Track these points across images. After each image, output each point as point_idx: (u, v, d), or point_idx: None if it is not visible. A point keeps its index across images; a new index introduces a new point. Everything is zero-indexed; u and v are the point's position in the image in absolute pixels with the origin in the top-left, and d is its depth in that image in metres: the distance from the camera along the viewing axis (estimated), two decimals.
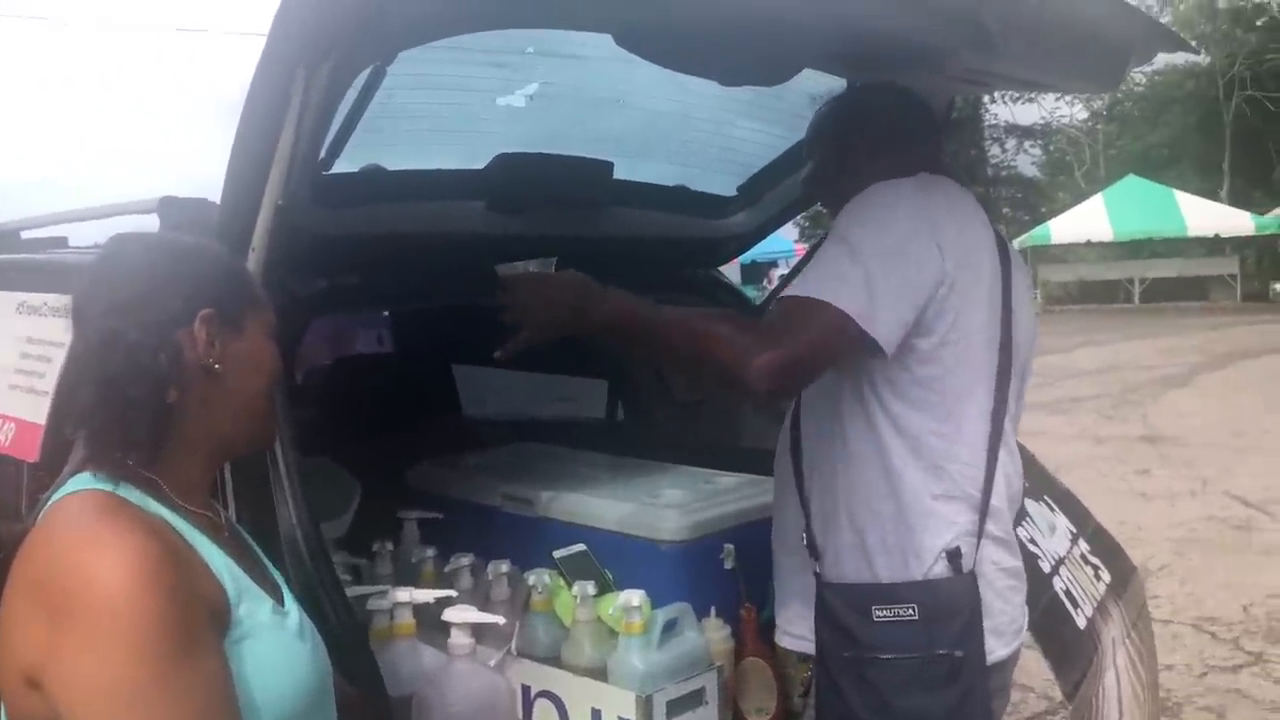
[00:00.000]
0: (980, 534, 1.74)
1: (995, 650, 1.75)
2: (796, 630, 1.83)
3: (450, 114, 2.04)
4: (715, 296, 2.67)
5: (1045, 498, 2.99)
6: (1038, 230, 25.43)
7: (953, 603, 1.68)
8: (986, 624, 1.72)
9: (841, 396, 1.72)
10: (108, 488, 1.11)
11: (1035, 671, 3.83)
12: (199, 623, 1.05)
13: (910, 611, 1.65)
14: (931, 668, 1.65)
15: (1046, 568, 2.69)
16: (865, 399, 1.69)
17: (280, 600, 1.22)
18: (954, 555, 1.69)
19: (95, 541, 1.04)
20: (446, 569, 2.30)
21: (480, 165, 2.14)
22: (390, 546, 2.42)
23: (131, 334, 1.12)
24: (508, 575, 2.26)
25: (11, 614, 1.06)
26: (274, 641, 1.16)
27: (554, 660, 2.12)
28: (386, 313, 2.63)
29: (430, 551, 2.38)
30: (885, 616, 1.66)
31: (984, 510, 1.75)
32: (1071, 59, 1.84)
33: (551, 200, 2.23)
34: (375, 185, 2.02)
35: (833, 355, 1.62)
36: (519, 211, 2.18)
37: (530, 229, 2.22)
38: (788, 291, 1.64)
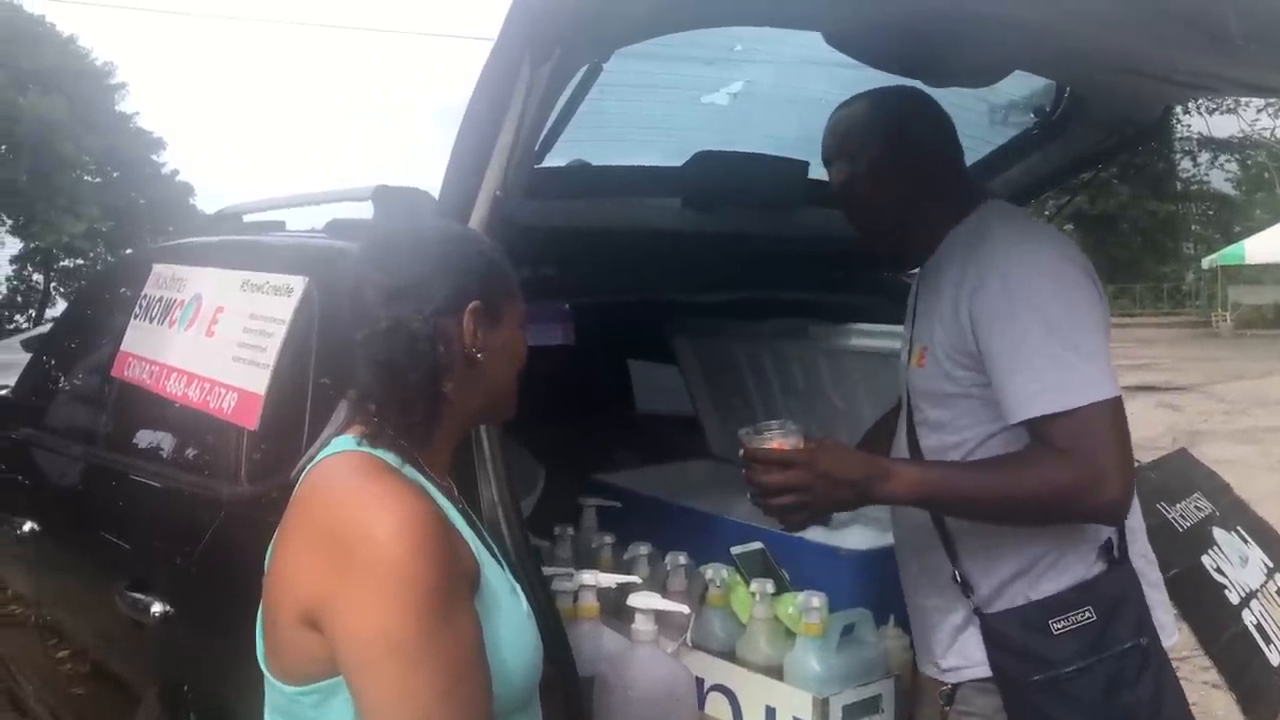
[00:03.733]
0: (1121, 527, 1.70)
1: (1163, 640, 1.70)
2: (949, 663, 1.78)
3: (654, 111, 2.08)
4: (902, 299, 2.63)
5: (1238, 528, 2.83)
6: (1230, 249, 23.99)
7: (1121, 593, 1.65)
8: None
9: (991, 439, 1.67)
10: (372, 452, 1.19)
11: (1222, 715, 3.64)
12: (460, 584, 1.13)
13: (1088, 614, 1.61)
14: (1125, 663, 1.60)
15: (1235, 599, 2.56)
16: (1023, 434, 1.63)
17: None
18: (1107, 548, 1.66)
19: (374, 500, 1.11)
20: (625, 556, 2.35)
21: (679, 163, 2.17)
22: (571, 531, 2.49)
23: (414, 324, 1.19)
24: (685, 567, 2.28)
25: (293, 557, 1.14)
26: (513, 612, 1.22)
27: (729, 655, 2.14)
28: (576, 304, 2.69)
29: (609, 538, 2.43)
30: (1064, 627, 1.61)
31: None
32: None
33: (746, 199, 2.24)
34: (580, 180, 2.08)
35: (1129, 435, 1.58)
36: (714, 209, 2.21)
37: (725, 226, 2.24)
38: (1029, 404, 1.54)
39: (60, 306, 24.01)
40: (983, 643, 1.68)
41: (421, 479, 1.19)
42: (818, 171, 2.31)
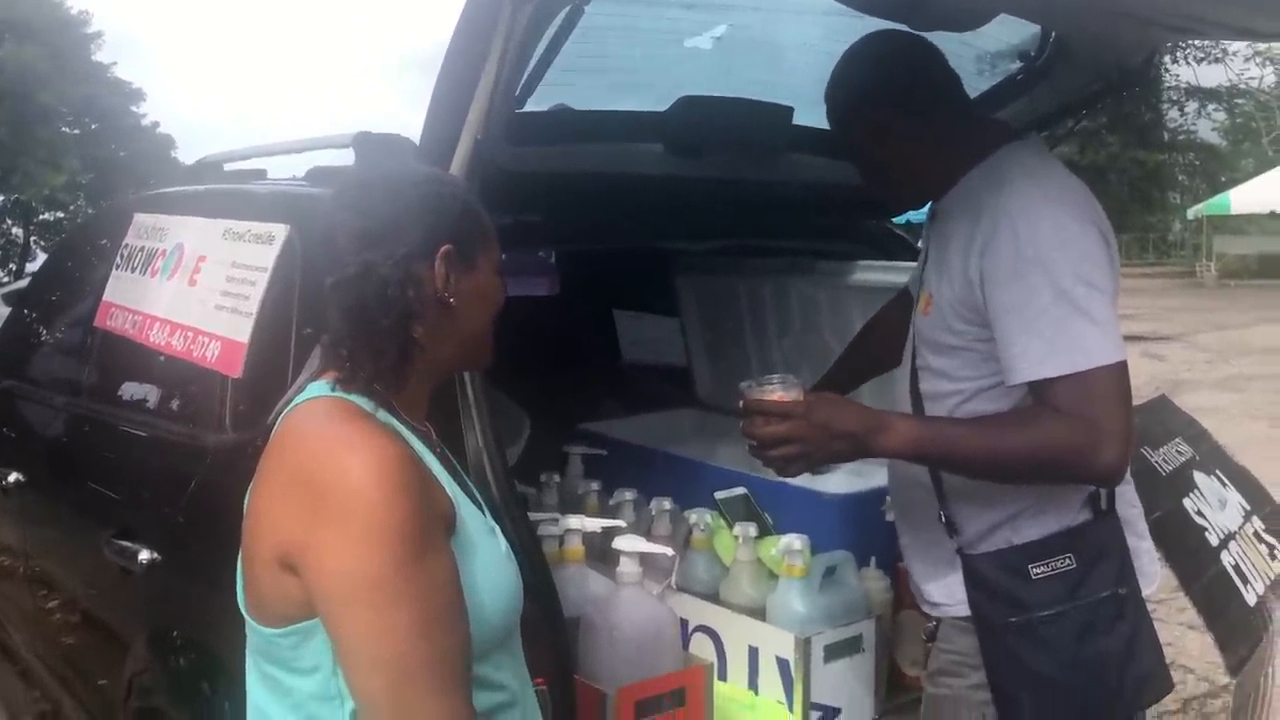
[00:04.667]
0: None
1: (1144, 588, 1.72)
2: (934, 599, 1.79)
3: (637, 55, 2.06)
4: (888, 248, 2.64)
5: (1217, 472, 2.87)
6: (1216, 200, 23.96)
7: (1104, 543, 1.66)
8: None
9: (980, 391, 1.67)
10: (346, 397, 1.19)
11: (1197, 654, 3.71)
12: (435, 525, 1.14)
13: (1068, 561, 1.62)
14: (1101, 610, 1.62)
15: (1214, 541, 2.60)
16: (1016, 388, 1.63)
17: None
18: (1094, 498, 1.67)
19: (349, 443, 1.12)
20: (611, 502, 2.37)
21: (663, 108, 2.16)
22: (556, 478, 2.51)
23: (384, 268, 1.19)
24: (669, 513, 2.31)
25: (268, 500, 1.15)
26: (490, 553, 1.23)
27: (712, 597, 2.17)
28: (559, 253, 2.69)
29: (595, 485, 2.46)
30: (1043, 572, 1.63)
31: None
32: None
33: (731, 144, 2.23)
34: (562, 125, 2.07)
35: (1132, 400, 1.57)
36: (698, 155, 2.20)
37: (708, 172, 2.23)
38: (1035, 367, 1.53)
39: (40, 260, 23.80)
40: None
41: (396, 423, 1.20)
42: (802, 117, 2.31)
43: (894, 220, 2.92)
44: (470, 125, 1.62)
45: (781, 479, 1.68)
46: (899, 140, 1.71)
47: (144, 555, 2.11)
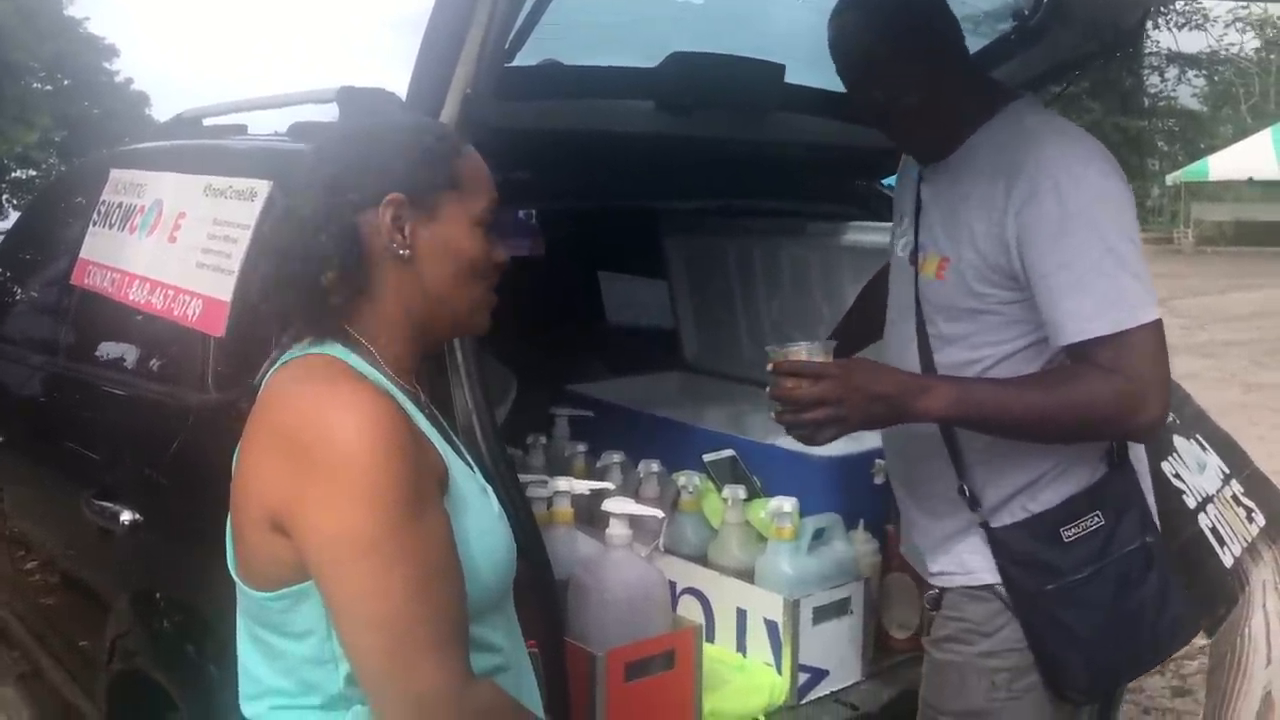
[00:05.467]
0: None
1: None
2: (939, 567, 1.75)
3: (628, 7, 2.02)
4: (876, 209, 2.62)
5: (1196, 435, 2.89)
6: (1195, 165, 24.04)
7: (1127, 495, 1.66)
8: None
9: (1004, 359, 1.63)
10: (332, 353, 1.16)
11: None
12: (427, 483, 1.11)
13: (1097, 519, 1.62)
14: (1133, 562, 1.63)
15: (1192, 504, 2.62)
16: (1043, 352, 1.62)
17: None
18: (1109, 451, 1.66)
19: (336, 400, 1.09)
20: (598, 464, 2.36)
21: (654, 64, 2.12)
22: (543, 440, 2.50)
23: (304, 210, 1.16)
24: (657, 475, 2.30)
25: (256, 462, 1.12)
26: (484, 512, 1.21)
27: (700, 559, 2.17)
28: (545, 211, 2.65)
29: (581, 447, 2.44)
30: (1075, 534, 1.61)
31: None
32: None
33: (721, 102, 2.19)
34: (552, 80, 2.02)
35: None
36: (688, 112, 2.16)
37: (698, 130, 2.20)
38: (1089, 325, 1.50)
39: (13, 218, 23.44)
40: (983, 552, 1.67)
41: (385, 381, 1.17)
42: (795, 76, 2.28)
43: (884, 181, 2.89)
44: (459, 79, 1.58)
45: (804, 446, 1.60)
46: (918, 87, 1.62)
47: (126, 516, 2.08)
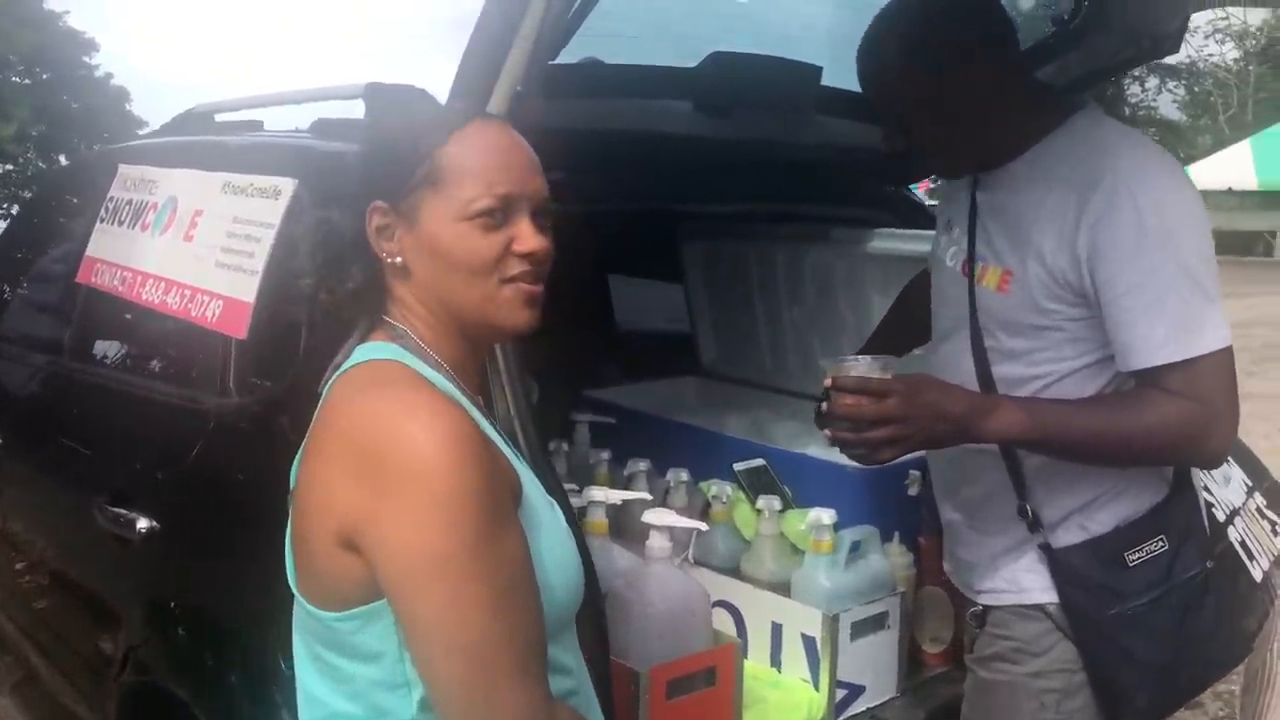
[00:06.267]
0: None
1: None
2: (986, 585, 1.71)
3: (671, 7, 1.97)
4: (907, 215, 2.58)
5: None
6: None
7: (1189, 519, 1.63)
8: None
9: (1065, 376, 1.58)
10: (399, 359, 1.11)
11: None
12: (505, 498, 1.06)
13: (1161, 543, 1.58)
14: (1193, 587, 1.59)
15: (1221, 517, 2.59)
16: (1104, 371, 1.57)
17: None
18: (1172, 473, 1.63)
19: (408, 409, 1.02)
20: (625, 473, 2.30)
21: (693, 64, 2.07)
22: (565, 447, 2.44)
23: (308, 226, 1.17)
24: (685, 484, 2.25)
25: (323, 475, 1.06)
26: (554, 527, 1.16)
27: (731, 571, 2.12)
28: (565, 212, 2.60)
29: (605, 454, 2.38)
30: (1139, 558, 1.57)
31: None
32: None
33: (757, 103, 2.15)
34: (591, 78, 1.97)
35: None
36: (727, 113, 2.11)
37: (735, 132, 2.15)
38: (1161, 351, 1.45)
39: None
40: (1039, 571, 1.62)
41: (452, 388, 1.12)
42: (833, 77, 2.23)
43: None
44: (509, 74, 1.52)
45: (857, 463, 1.53)
46: (972, 93, 1.54)
47: (142, 524, 2.01)
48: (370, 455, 1.02)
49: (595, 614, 1.51)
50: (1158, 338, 1.45)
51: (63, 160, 21.53)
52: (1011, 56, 1.60)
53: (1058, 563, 1.60)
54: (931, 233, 1.89)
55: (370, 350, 1.13)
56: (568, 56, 1.93)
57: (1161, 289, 1.45)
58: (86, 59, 26.32)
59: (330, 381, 1.13)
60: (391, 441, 1.01)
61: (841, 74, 2.23)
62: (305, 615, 1.10)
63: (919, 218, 2.65)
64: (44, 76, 25.45)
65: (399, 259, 1.13)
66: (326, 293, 1.16)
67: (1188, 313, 1.45)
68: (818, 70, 2.19)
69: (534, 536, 1.09)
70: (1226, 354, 1.47)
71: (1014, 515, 1.63)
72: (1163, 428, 1.47)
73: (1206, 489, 2.65)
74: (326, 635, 1.08)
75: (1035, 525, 1.62)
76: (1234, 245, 24.83)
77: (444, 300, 1.14)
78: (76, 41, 25.87)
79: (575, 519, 1.62)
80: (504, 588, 1.00)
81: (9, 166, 26.16)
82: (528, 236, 1.13)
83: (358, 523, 1.01)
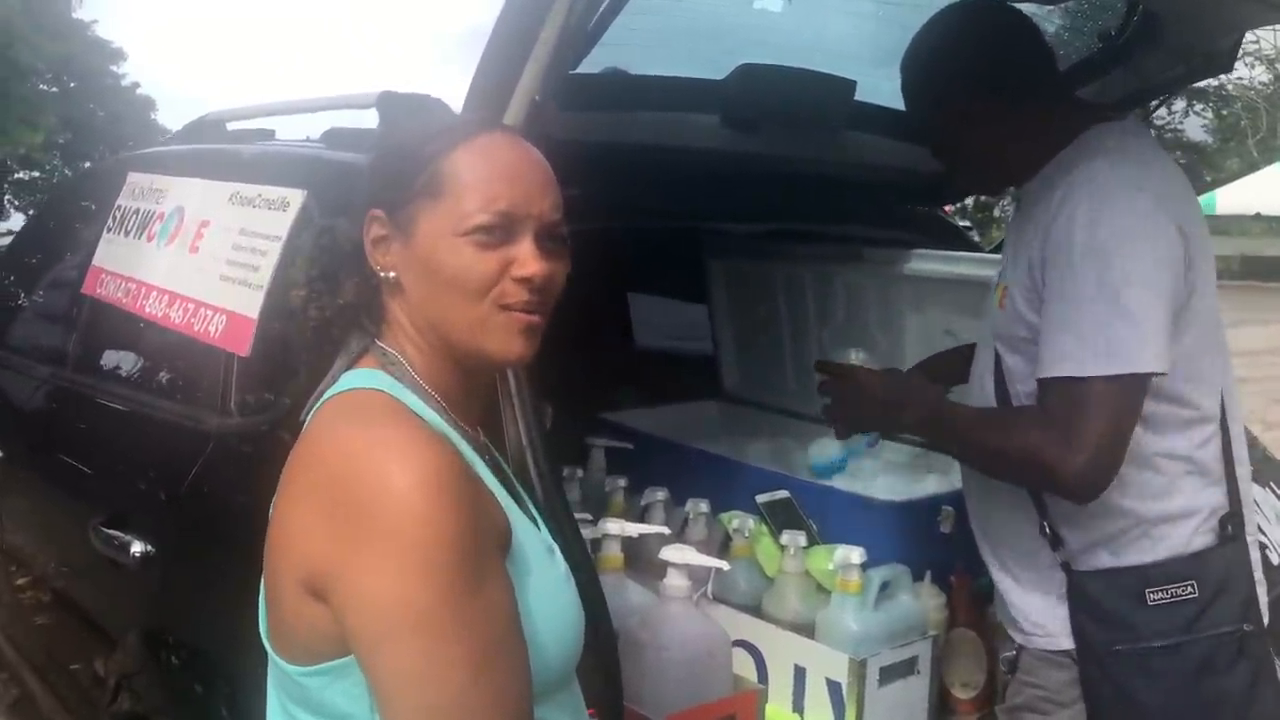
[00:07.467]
0: (1238, 501, 1.58)
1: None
2: (1019, 626, 1.65)
3: (700, 15, 1.88)
4: (938, 235, 2.48)
5: (1271, 484, 2.73)
6: (1201, 199, 23.95)
7: (1230, 573, 1.53)
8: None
9: None
10: (386, 389, 1.02)
11: None
12: (489, 546, 0.96)
13: (1189, 589, 1.49)
14: (1222, 646, 1.49)
15: (1276, 559, 2.46)
16: None
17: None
18: (1219, 522, 1.54)
19: (390, 446, 0.93)
20: (641, 503, 2.20)
21: (721, 76, 1.98)
22: (579, 473, 2.34)
23: (312, 235, 1.13)
24: (705, 516, 2.15)
25: (294, 516, 0.96)
26: (549, 577, 1.06)
27: (752, 609, 2.01)
28: (586, 229, 2.51)
29: (622, 482, 2.28)
30: (1161, 599, 1.49)
31: (1230, 479, 1.60)
32: None
33: (787, 118, 2.06)
34: (614, 90, 1.88)
35: (1135, 419, 1.44)
36: (755, 128, 2.02)
37: (763, 147, 2.06)
38: (1060, 364, 1.41)
39: (15, 221, 23.33)
40: (1060, 610, 1.55)
41: (443, 424, 1.02)
42: (867, 91, 2.14)
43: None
44: (526, 82, 1.43)
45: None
46: (985, 124, 1.58)
47: (137, 548, 1.92)
48: (341, 495, 0.92)
49: (606, 661, 1.41)
50: (1060, 350, 1.42)
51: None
52: (1031, 82, 1.58)
53: (1075, 587, 1.54)
54: (968, 254, 1.87)
55: (355, 378, 1.04)
56: (589, 66, 1.84)
57: (1080, 302, 1.41)
58: (114, 68, 26.63)
59: (312, 409, 1.04)
60: (363, 481, 0.91)
61: (877, 89, 2.15)
62: (274, 667, 1.01)
63: (952, 238, 2.55)
64: (71, 85, 25.76)
65: (392, 273, 1.05)
66: (317, 308, 1.07)
67: (1097, 331, 1.39)
68: (851, 84, 2.09)
69: (522, 587, 0.99)
70: (1130, 381, 1.39)
71: (1041, 542, 1.58)
72: (1021, 446, 1.45)
73: (1260, 529, 2.53)
74: (295, 691, 0.98)
75: (1056, 543, 1.56)
76: (1260, 270, 24.63)
77: (434, 322, 1.05)
78: (103, 51, 26.17)
79: (586, 554, 1.52)
80: (483, 647, 0.90)
81: (36, 174, 26.43)
82: (528, 260, 1.02)
83: (326, 570, 0.91)
